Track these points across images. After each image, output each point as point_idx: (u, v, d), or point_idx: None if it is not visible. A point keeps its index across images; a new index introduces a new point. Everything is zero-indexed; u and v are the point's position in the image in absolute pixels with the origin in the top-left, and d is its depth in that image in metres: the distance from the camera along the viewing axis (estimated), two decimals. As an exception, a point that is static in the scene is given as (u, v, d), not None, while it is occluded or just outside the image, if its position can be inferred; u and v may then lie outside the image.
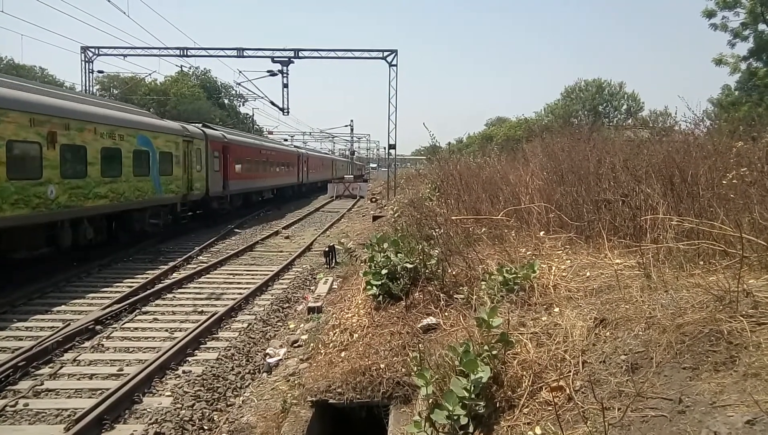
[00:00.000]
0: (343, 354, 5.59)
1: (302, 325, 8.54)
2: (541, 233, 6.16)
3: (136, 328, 8.87)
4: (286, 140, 61.68)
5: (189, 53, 30.53)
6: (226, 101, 69.77)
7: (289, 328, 8.85)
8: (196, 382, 6.74)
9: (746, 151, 6.25)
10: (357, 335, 5.96)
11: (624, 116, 48.54)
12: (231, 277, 12.88)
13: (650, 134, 9.51)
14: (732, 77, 24.44)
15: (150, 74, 43.18)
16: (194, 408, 6.08)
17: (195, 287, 11.78)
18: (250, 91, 43.07)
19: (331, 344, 6.06)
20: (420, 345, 4.69)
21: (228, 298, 10.78)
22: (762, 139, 6.99)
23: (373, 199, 34.41)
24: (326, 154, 67.99)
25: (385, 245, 6.92)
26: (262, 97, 35.65)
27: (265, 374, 6.96)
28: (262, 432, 5.11)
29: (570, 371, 3.34)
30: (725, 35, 22.69)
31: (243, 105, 67.62)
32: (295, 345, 7.39)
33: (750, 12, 21.64)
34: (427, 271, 6.16)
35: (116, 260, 14.19)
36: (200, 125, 23.67)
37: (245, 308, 10.25)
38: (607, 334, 3.54)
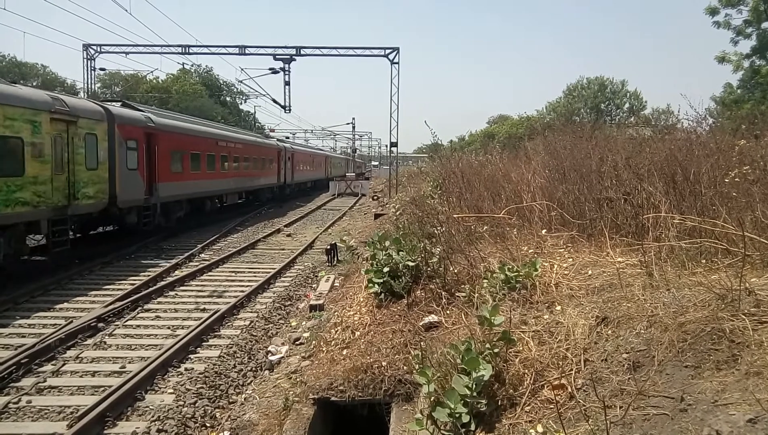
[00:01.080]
0: (344, 352, 5.60)
1: (304, 322, 8.55)
2: (543, 231, 6.17)
3: (138, 326, 8.90)
4: (287, 137, 61.46)
5: (191, 51, 30.49)
6: (228, 99, 69.75)
7: (291, 326, 8.86)
8: (199, 379, 6.76)
9: (749, 149, 6.25)
10: (359, 333, 5.97)
11: (626, 114, 48.42)
12: (233, 274, 12.90)
13: (652, 132, 9.50)
14: (735, 75, 24.34)
15: (152, 72, 43.28)
16: (196, 405, 6.10)
17: (197, 285, 11.80)
18: (251, 88, 43.06)
19: (333, 342, 6.07)
20: (422, 343, 4.69)
21: (230, 295, 10.80)
22: (765, 137, 6.98)
23: (375, 197, 34.41)
24: (319, 149, 62.02)
25: (387, 243, 6.93)
26: (264, 95, 35.04)
27: (267, 372, 6.97)
28: (264, 429, 5.12)
29: (572, 369, 3.35)
30: (728, 33, 22.63)
31: (245, 103, 67.60)
32: (297, 343, 7.40)
33: (753, 10, 21.56)
34: (428, 269, 6.16)
35: (119, 258, 14.22)
36: (119, 104, 17.22)
37: (247, 306, 10.26)
38: (609, 332, 3.55)
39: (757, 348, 2.81)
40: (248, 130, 38.93)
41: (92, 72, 30.99)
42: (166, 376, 6.95)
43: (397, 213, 13.62)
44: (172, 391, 6.50)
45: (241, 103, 70.47)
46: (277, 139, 38.44)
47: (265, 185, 31.26)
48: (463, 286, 5.46)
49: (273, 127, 62.53)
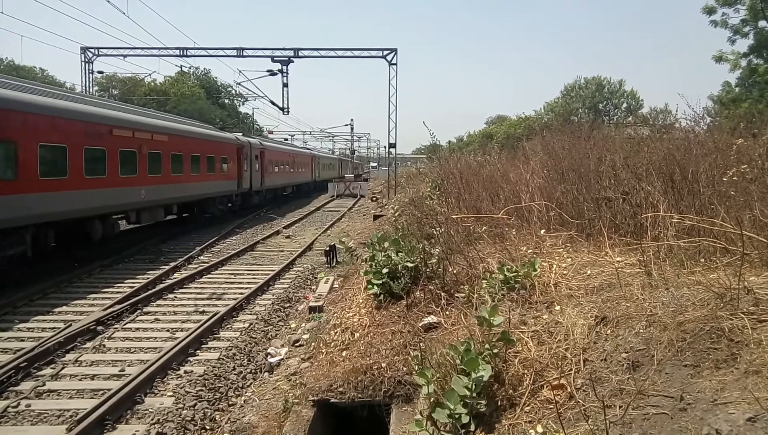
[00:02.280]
0: (344, 353, 5.59)
1: (303, 324, 8.54)
2: (542, 231, 6.17)
3: (137, 329, 8.88)
4: (286, 139, 61.32)
5: (189, 53, 30.51)
6: (226, 101, 69.77)
7: (290, 328, 8.85)
8: (198, 381, 6.75)
9: (747, 148, 6.25)
10: (358, 334, 5.96)
11: (624, 114, 48.51)
12: (232, 276, 12.89)
13: (650, 132, 9.52)
14: (732, 74, 24.45)
15: (150, 74, 43.24)
16: (196, 408, 6.09)
17: (196, 287, 11.79)
18: (250, 90, 42.81)
19: (333, 343, 6.06)
20: (421, 344, 4.69)
21: (229, 297, 10.78)
22: (762, 136, 6.99)
23: (374, 199, 34.41)
24: (305, 148, 55.12)
25: (386, 244, 6.92)
26: (262, 97, 34.62)
27: (266, 374, 6.96)
28: (264, 431, 5.11)
29: (571, 369, 3.35)
30: (725, 32, 22.72)
31: (243, 105, 67.64)
32: (297, 344, 7.39)
33: (750, 9, 21.64)
34: (428, 270, 6.16)
35: (117, 261, 14.20)
36: None
37: (246, 308, 10.25)
38: (608, 332, 3.55)
39: (756, 347, 2.81)
40: (188, 118, 27.36)
41: (90, 75, 31.00)
42: (165, 378, 6.93)
43: (396, 214, 13.59)
44: (171, 393, 6.49)
45: (239, 106, 70.58)
46: (242, 134, 29.61)
47: (215, 193, 22.60)
48: (462, 286, 5.46)
49: (272, 128, 62.60)
